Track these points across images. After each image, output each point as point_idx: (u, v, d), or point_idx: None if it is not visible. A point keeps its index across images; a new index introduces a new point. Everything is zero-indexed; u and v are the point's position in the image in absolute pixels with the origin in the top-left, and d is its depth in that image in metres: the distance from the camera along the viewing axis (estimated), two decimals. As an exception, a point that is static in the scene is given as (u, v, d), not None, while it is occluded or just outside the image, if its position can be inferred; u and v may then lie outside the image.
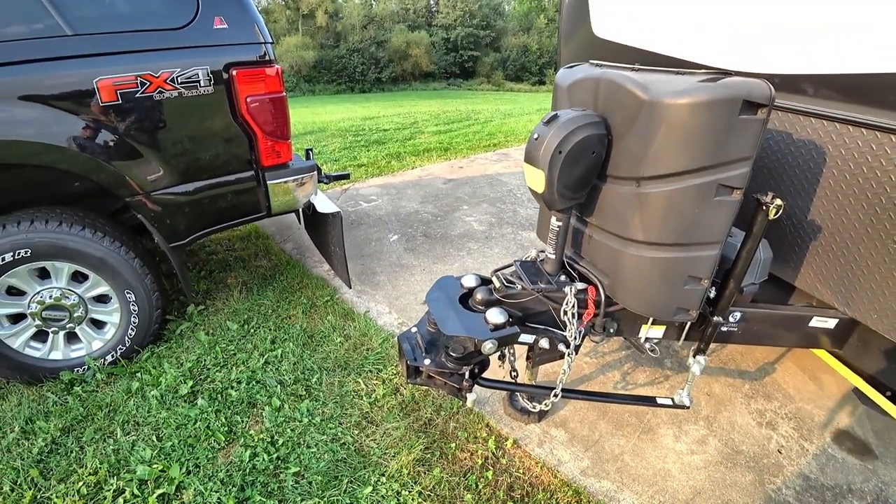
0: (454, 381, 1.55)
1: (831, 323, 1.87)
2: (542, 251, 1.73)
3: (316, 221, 3.03)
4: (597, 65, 1.58)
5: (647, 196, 1.29)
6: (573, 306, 1.56)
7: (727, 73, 1.16)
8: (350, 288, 3.14)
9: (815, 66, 1.56)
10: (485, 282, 1.74)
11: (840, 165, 1.61)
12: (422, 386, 1.77)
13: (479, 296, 1.61)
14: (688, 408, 1.88)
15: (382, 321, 2.87)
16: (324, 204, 2.87)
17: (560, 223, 1.51)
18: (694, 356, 1.75)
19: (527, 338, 1.59)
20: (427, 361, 1.56)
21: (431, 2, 46.05)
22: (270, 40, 2.43)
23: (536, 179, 1.37)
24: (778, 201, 1.30)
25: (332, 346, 2.64)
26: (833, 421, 2.29)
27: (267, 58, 2.39)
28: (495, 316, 1.50)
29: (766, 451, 2.10)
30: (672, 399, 1.89)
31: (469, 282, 1.70)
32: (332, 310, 2.96)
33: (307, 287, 3.22)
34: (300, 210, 3.03)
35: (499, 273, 1.63)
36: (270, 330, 2.77)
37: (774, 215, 1.32)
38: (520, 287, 1.58)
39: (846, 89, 1.52)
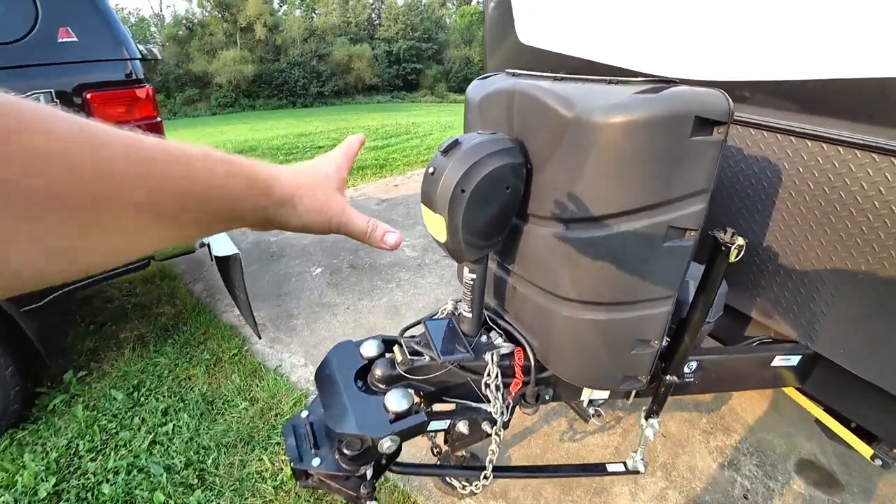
0: (349, 487, 1.19)
1: (795, 360, 1.64)
2: (460, 300, 1.40)
3: (219, 263, 2.61)
4: (512, 74, 1.27)
5: (577, 243, 0.98)
6: (496, 377, 1.23)
7: (670, 82, 0.87)
8: (260, 338, 2.72)
9: (767, 72, 1.31)
10: (390, 346, 1.40)
11: (797, 185, 1.37)
12: (316, 489, 1.39)
13: (378, 371, 1.26)
14: (642, 473, 1.59)
15: (296, 376, 2.47)
16: (221, 245, 2.44)
17: (474, 276, 1.19)
18: (646, 419, 1.46)
19: (439, 424, 1.25)
20: (316, 462, 1.19)
21: (373, 15, 45.83)
22: (138, 55, 2.01)
23: (436, 226, 1.04)
24: (740, 241, 1.03)
25: (235, 413, 2.22)
26: (795, 450, 2.15)
27: (134, 77, 1.97)
28: (396, 401, 1.15)
29: (732, 497, 1.91)
30: (624, 464, 1.59)
31: (369, 350, 1.34)
32: (238, 366, 2.53)
33: (213, 338, 2.78)
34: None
35: (402, 341, 1.28)
36: (164, 397, 2.33)
37: (735, 258, 1.04)
38: (428, 358, 1.24)
39: (803, 98, 1.29)
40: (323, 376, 1.34)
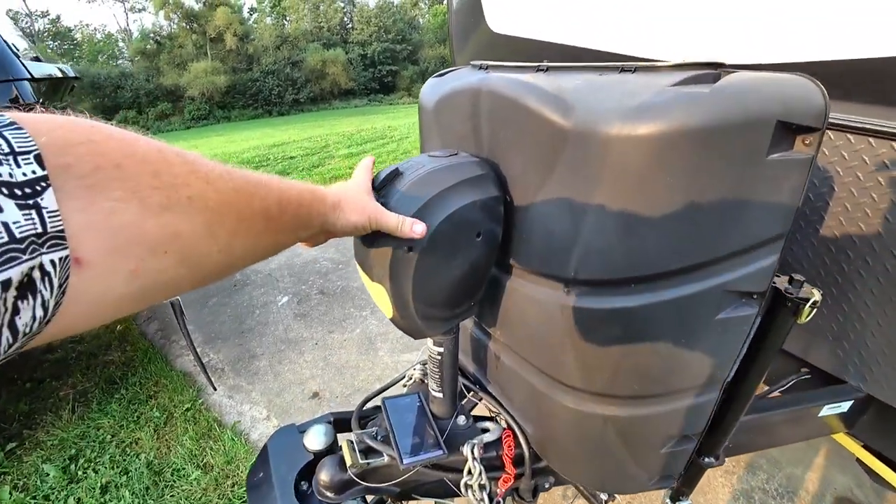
0: None
1: (845, 406, 1.35)
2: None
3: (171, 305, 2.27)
4: (479, 67, 0.95)
5: (583, 314, 0.66)
6: (480, 475, 0.91)
7: (720, 66, 0.55)
8: (215, 389, 2.37)
9: (812, 50, 1.01)
10: (343, 426, 1.07)
11: (856, 196, 1.07)
12: None
13: (323, 476, 0.93)
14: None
15: (257, 433, 2.13)
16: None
17: (442, 349, 0.86)
18: (673, 501, 1.15)
19: (406, 553, 0.92)
20: None
21: (345, 18, 45.29)
22: (26, 75, 1.63)
23: (378, 296, 0.72)
24: (815, 294, 0.71)
25: (186, 485, 1.89)
26: (829, 486, 1.92)
27: (22, 101, 1.61)
28: (344, 529, 0.83)
29: (765, 557, 1.60)
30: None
31: (315, 441, 1.01)
32: (192, 424, 2.18)
33: (164, 390, 2.43)
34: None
35: (354, 437, 0.95)
36: (105, 469, 1.99)
37: (806, 318, 0.73)
38: (387, 458, 0.91)
39: (862, 82, 0.98)
40: (255, 480, 1.01)
